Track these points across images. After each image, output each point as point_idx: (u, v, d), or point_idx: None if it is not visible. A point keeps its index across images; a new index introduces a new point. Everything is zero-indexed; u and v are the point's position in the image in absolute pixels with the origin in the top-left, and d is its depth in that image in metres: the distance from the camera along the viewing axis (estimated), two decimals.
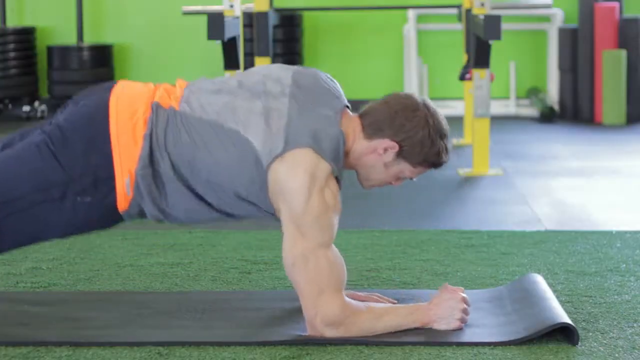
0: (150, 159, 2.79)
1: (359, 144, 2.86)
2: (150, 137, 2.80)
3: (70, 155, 2.78)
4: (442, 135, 2.86)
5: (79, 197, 2.78)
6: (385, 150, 2.84)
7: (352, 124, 2.88)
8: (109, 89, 2.87)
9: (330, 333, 2.75)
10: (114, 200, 2.79)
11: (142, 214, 2.85)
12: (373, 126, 2.86)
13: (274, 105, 2.81)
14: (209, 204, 2.84)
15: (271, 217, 2.87)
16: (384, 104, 2.88)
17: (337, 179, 2.82)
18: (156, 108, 2.83)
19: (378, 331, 2.79)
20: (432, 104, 2.89)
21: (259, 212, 2.85)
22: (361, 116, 2.89)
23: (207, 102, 2.84)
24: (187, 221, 2.89)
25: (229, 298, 3.18)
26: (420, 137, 2.83)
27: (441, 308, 2.83)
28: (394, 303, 3.03)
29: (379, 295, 3.08)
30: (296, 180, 2.75)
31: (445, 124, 2.88)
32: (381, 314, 2.81)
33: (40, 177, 2.78)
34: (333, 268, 2.76)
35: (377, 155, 2.86)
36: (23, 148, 2.83)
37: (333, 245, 2.80)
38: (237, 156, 2.78)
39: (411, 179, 2.93)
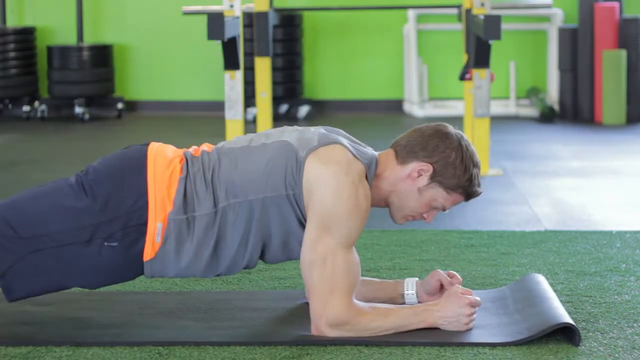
0: (184, 203, 2.78)
1: (393, 170, 2.86)
2: (186, 180, 2.80)
3: (103, 198, 2.76)
4: (475, 164, 2.86)
5: (106, 242, 2.75)
6: (420, 173, 2.84)
7: (385, 153, 2.90)
8: (145, 144, 2.88)
9: (333, 334, 2.74)
10: (140, 248, 2.77)
11: (162, 268, 2.80)
12: (406, 149, 2.86)
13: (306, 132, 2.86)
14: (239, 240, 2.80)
15: (299, 229, 2.81)
16: (415, 131, 2.90)
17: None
18: (189, 156, 2.86)
19: (384, 331, 2.76)
20: (464, 134, 2.91)
21: (287, 224, 2.80)
22: (393, 145, 2.91)
23: (235, 141, 2.90)
24: (208, 270, 2.83)
25: (230, 298, 3.18)
26: (454, 159, 2.83)
27: (448, 311, 2.80)
28: None
29: None
30: (329, 173, 2.74)
31: (476, 154, 2.88)
32: (386, 313, 2.79)
33: (70, 217, 2.75)
34: (349, 271, 2.74)
35: (411, 180, 2.85)
36: (56, 186, 2.82)
37: (354, 248, 2.78)
38: (274, 154, 2.79)
39: (444, 209, 2.90)
